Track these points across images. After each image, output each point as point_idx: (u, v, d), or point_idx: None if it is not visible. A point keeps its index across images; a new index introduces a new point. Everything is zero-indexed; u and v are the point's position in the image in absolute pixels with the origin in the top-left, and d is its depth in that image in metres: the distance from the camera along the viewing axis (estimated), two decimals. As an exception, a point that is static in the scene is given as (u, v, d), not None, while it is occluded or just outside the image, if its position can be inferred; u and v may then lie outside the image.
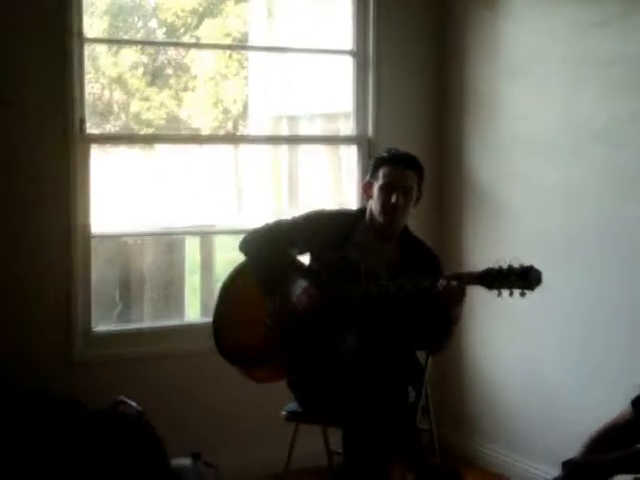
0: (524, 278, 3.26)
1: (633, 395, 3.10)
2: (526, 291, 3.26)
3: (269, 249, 3.69)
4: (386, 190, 3.60)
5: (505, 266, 3.29)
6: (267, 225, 3.79)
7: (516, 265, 3.28)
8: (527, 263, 3.28)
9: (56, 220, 4.19)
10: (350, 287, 3.53)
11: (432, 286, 3.38)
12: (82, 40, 4.22)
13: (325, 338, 3.58)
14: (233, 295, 3.80)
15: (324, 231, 3.69)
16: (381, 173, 3.62)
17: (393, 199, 3.58)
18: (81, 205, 4.23)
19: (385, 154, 3.69)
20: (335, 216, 3.80)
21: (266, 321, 3.64)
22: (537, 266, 3.29)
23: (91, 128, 4.43)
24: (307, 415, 3.72)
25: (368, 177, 3.71)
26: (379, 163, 3.66)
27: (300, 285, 3.57)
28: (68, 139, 4.18)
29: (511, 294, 3.29)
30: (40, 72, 4.13)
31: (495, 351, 4.70)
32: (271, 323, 3.63)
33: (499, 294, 3.30)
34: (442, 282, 3.36)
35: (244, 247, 3.79)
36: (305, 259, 3.81)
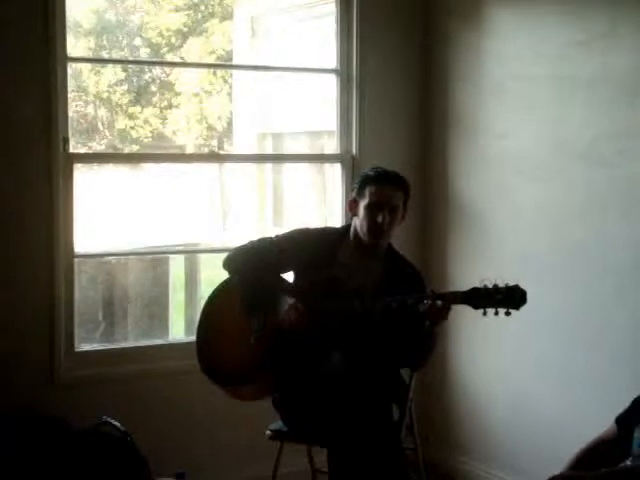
0: (509, 297, 3.28)
1: (617, 413, 3.11)
2: (511, 310, 3.29)
3: (254, 266, 3.68)
4: (373, 209, 3.59)
5: (490, 285, 3.30)
6: (251, 242, 3.79)
7: (501, 284, 3.29)
8: (512, 282, 3.29)
9: (39, 239, 4.16)
10: (336, 305, 3.52)
11: (417, 304, 3.38)
12: (65, 59, 4.21)
13: (310, 356, 3.58)
14: (215, 314, 3.78)
15: (309, 249, 3.69)
16: (367, 192, 3.62)
17: (379, 219, 3.57)
18: (64, 224, 4.20)
19: (372, 172, 3.68)
20: (319, 234, 3.80)
21: (250, 339, 3.62)
22: (521, 284, 3.30)
23: (76, 147, 4.42)
24: (292, 434, 3.70)
25: (354, 194, 3.71)
26: (365, 181, 3.65)
27: (287, 302, 3.57)
28: (51, 158, 4.15)
29: (496, 313, 3.31)
30: (23, 92, 4.11)
31: (479, 369, 4.70)
32: (255, 341, 3.62)
33: (484, 313, 3.32)
34: (428, 301, 3.37)
35: (228, 264, 3.78)
36: (289, 277, 3.80)
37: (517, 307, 3.29)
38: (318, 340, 3.55)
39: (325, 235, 3.78)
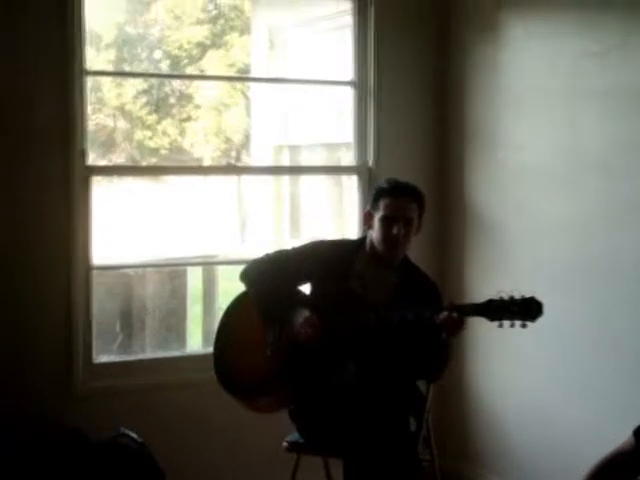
0: (525, 309, 3.28)
1: (635, 425, 3.09)
2: (527, 322, 3.28)
3: (270, 279, 3.69)
4: (387, 221, 3.60)
5: (506, 297, 3.30)
6: (267, 255, 3.80)
7: (517, 296, 3.29)
8: (528, 294, 3.29)
9: (57, 251, 4.19)
10: (351, 317, 3.52)
11: (433, 316, 3.38)
12: (84, 73, 4.24)
13: (326, 368, 3.58)
14: (232, 326, 3.79)
15: (324, 261, 3.70)
16: (382, 204, 3.63)
17: (394, 231, 3.58)
18: (82, 236, 4.23)
19: (386, 185, 3.69)
20: (335, 246, 3.81)
21: (266, 351, 3.63)
22: (539, 296, 3.29)
23: (96, 160, 4.45)
24: (308, 446, 3.71)
25: (369, 207, 3.72)
26: (380, 194, 3.66)
27: (302, 315, 3.57)
28: (69, 171, 4.19)
29: (512, 325, 3.30)
30: (41, 105, 4.15)
31: (497, 381, 4.68)
32: (271, 353, 3.63)
33: (500, 325, 3.32)
34: (444, 313, 3.36)
35: (244, 277, 3.79)
36: (306, 289, 3.81)
37: (533, 319, 3.28)
38: (333, 352, 3.55)
39: (341, 247, 3.79)
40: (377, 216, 3.63)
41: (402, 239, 3.60)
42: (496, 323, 3.32)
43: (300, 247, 3.82)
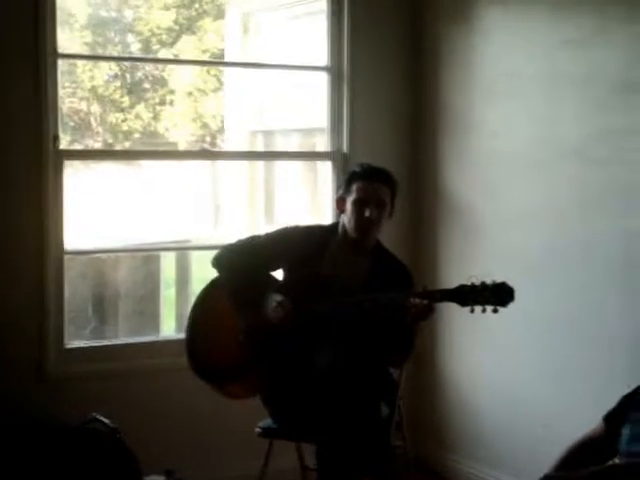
0: (497, 294, 3.28)
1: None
2: (499, 307, 3.29)
3: (241, 265, 3.68)
4: (360, 204, 3.60)
5: (478, 283, 3.30)
6: (239, 241, 3.79)
7: (489, 282, 3.29)
8: (500, 279, 3.30)
9: (29, 237, 4.15)
10: (323, 302, 3.52)
11: (404, 301, 3.38)
12: (55, 55, 4.20)
13: (298, 354, 3.58)
14: (205, 312, 3.78)
15: (297, 246, 3.69)
16: (354, 187, 3.63)
17: (367, 213, 3.58)
18: (54, 221, 4.20)
19: (358, 169, 3.69)
20: (308, 231, 3.80)
21: (238, 337, 3.63)
22: (512, 282, 3.30)
23: (71, 143, 4.41)
24: (281, 431, 3.71)
25: (341, 192, 3.71)
26: (352, 178, 3.66)
27: (274, 299, 3.57)
28: (41, 155, 4.15)
29: (484, 310, 3.30)
30: (12, 88, 4.10)
31: (470, 366, 4.70)
32: (243, 339, 3.62)
33: (472, 310, 3.32)
34: (415, 299, 3.37)
35: (216, 263, 3.78)
36: (278, 275, 3.80)
37: (504, 304, 3.28)
38: (305, 337, 3.55)
39: (313, 232, 3.79)
40: (350, 199, 3.63)
41: (374, 222, 3.60)
42: (468, 308, 3.32)
43: (273, 233, 3.81)
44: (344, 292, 3.52)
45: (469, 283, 3.31)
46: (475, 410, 4.66)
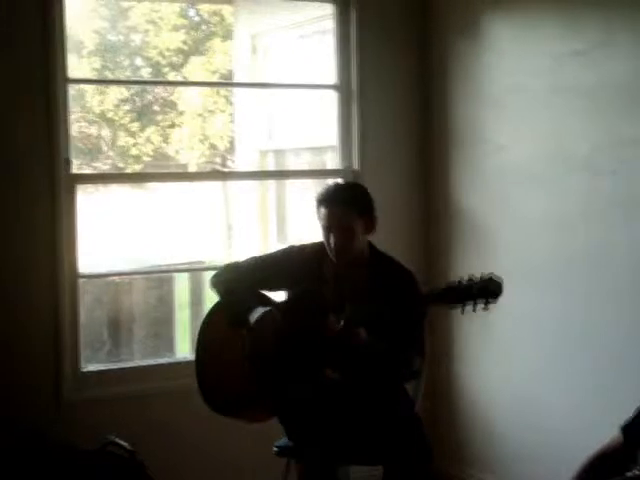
0: (485, 289, 3.18)
1: (623, 418, 3.10)
2: (489, 304, 3.18)
3: (235, 284, 3.63)
4: (326, 231, 3.52)
5: (464, 280, 3.22)
6: (237, 261, 3.77)
7: (475, 278, 3.22)
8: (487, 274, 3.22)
9: (42, 261, 4.17)
10: (322, 320, 3.44)
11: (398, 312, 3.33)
12: (66, 81, 4.23)
13: (300, 375, 3.51)
14: (207, 343, 3.69)
15: (294, 265, 3.63)
16: (320, 213, 3.54)
17: (331, 240, 3.51)
18: (67, 245, 4.21)
19: (323, 192, 3.58)
20: (304, 249, 3.72)
21: (244, 361, 3.55)
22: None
23: (81, 167, 4.43)
24: (298, 450, 3.68)
25: None
26: (318, 202, 3.56)
27: (259, 311, 3.51)
28: (53, 180, 4.17)
29: (474, 309, 3.18)
30: (24, 113, 4.13)
31: (484, 376, 4.69)
32: (247, 364, 3.53)
33: (462, 311, 3.21)
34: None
35: (212, 282, 3.73)
36: (278, 296, 3.76)
37: (494, 298, 3.18)
38: (307, 357, 3.49)
39: (310, 250, 3.69)
40: (320, 224, 3.56)
41: (342, 247, 3.51)
42: (458, 310, 3.20)
43: (273, 252, 3.79)
44: (339, 309, 3.40)
45: (455, 281, 3.21)
46: (490, 420, 4.63)
